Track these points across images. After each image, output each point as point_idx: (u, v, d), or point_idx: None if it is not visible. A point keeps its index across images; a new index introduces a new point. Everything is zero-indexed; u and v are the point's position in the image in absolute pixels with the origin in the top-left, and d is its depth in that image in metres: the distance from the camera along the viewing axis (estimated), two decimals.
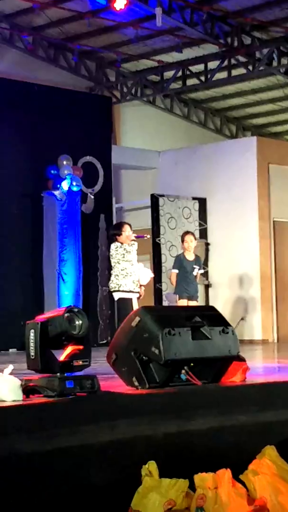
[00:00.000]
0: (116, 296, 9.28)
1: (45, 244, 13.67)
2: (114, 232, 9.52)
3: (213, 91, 16.96)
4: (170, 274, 11.58)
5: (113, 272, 9.30)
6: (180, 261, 11.21)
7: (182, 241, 11.32)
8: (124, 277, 9.20)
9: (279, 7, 13.34)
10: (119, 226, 9.59)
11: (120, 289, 9.22)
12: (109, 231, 10.45)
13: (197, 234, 13.66)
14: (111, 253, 9.42)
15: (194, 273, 11.16)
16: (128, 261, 9.25)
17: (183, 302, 10.95)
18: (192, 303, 11.03)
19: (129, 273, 9.22)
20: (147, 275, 9.54)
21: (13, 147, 13.45)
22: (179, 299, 11.08)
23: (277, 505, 4.11)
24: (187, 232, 11.60)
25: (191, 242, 11.23)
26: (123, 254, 9.25)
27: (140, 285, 9.42)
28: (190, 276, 11.13)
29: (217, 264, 15.11)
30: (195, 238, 11.54)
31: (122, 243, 9.32)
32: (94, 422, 4.22)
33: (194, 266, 11.17)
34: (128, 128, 16.82)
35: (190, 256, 11.21)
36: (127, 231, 9.37)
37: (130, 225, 9.57)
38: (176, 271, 11.18)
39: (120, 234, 9.36)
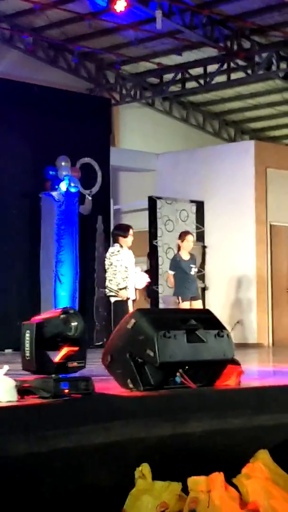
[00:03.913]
0: (113, 298, 9.28)
1: (42, 245, 13.66)
2: (120, 233, 9.45)
3: (212, 94, 16.97)
4: (167, 276, 11.55)
5: (107, 277, 9.28)
6: (176, 262, 11.17)
7: (182, 240, 11.24)
8: (118, 284, 9.16)
9: (278, 11, 13.36)
10: (126, 229, 9.45)
11: (113, 294, 9.21)
12: (112, 231, 10.37)
13: (194, 237, 13.66)
14: (106, 256, 9.41)
15: (192, 272, 11.11)
16: (122, 267, 9.20)
17: (186, 305, 10.86)
18: (197, 302, 10.96)
19: (122, 278, 9.17)
20: (143, 279, 9.54)
21: (11, 148, 13.45)
22: (183, 301, 10.96)
23: (270, 509, 4.11)
24: (188, 232, 11.58)
25: (191, 242, 11.21)
26: (118, 260, 9.23)
27: (136, 289, 9.41)
28: (190, 276, 11.08)
29: (213, 267, 15.12)
30: (194, 240, 11.53)
31: (122, 247, 9.31)
32: (89, 423, 4.22)
33: (191, 265, 11.14)
34: (126, 130, 16.82)
35: (186, 256, 11.19)
36: (131, 235, 9.37)
37: (132, 229, 9.55)
38: (173, 272, 11.16)
39: (125, 236, 9.33)
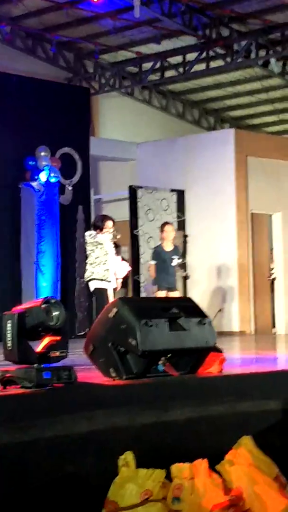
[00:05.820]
0: (92, 286, 9.27)
1: (22, 236, 13.61)
2: (96, 224, 9.49)
3: (191, 83, 16.95)
4: (149, 266, 11.61)
5: (88, 261, 9.33)
6: (157, 253, 11.25)
7: (162, 231, 11.34)
8: (97, 265, 9.20)
9: None
10: (102, 220, 9.48)
11: (93, 277, 9.21)
12: (91, 221, 10.40)
13: (175, 226, 13.67)
14: (85, 241, 9.42)
15: (174, 263, 11.16)
16: (102, 250, 9.23)
17: (162, 294, 10.96)
18: (174, 294, 11.00)
19: (102, 261, 9.21)
20: (124, 268, 9.54)
21: None
22: (158, 290, 11.09)
23: (253, 495, 4.13)
24: (166, 223, 11.66)
25: (170, 233, 11.25)
26: (96, 242, 9.25)
27: (117, 278, 9.42)
28: (170, 267, 11.13)
29: (195, 255, 15.12)
30: (174, 230, 11.57)
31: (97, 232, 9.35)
32: (71, 413, 4.22)
33: (173, 256, 11.18)
34: (106, 119, 16.77)
35: (168, 247, 11.23)
36: (108, 228, 9.34)
37: (114, 221, 9.50)
38: (154, 262, 11.22)
39: (101, 229, 9.34)
